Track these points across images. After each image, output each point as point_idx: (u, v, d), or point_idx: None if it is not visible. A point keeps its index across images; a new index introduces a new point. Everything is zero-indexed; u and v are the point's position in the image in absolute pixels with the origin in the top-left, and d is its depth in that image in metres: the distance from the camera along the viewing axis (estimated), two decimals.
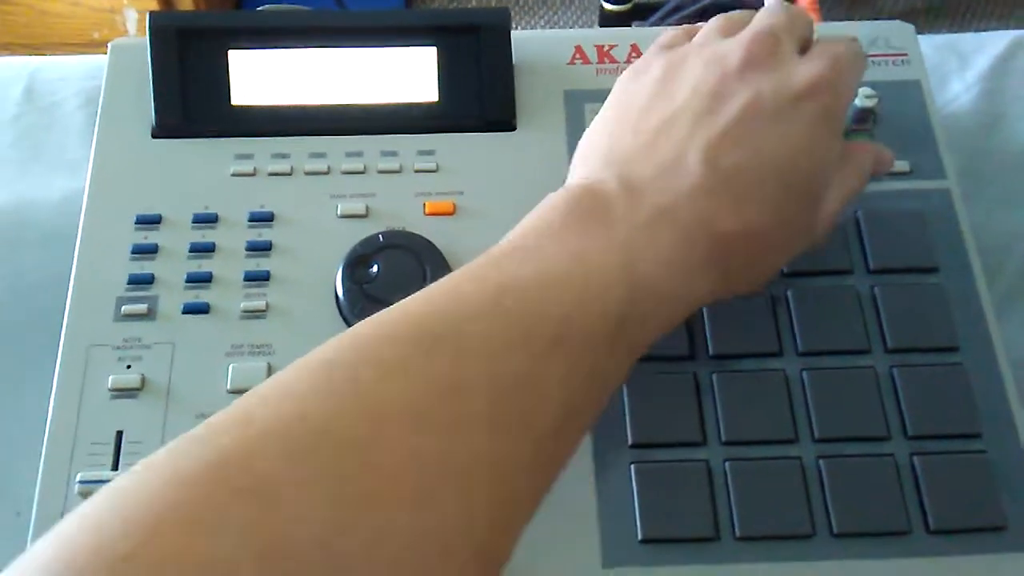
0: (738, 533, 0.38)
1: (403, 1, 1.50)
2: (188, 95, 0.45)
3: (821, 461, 0.39)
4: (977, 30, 0.65)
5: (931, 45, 0.61)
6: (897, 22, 0.49)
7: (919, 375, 0.40)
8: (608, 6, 1.44)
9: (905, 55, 0.48)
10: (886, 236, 0.43)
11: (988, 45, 0.62)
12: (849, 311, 0.42)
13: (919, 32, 0.51)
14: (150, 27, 0.45)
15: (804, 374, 0.41)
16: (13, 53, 1.22)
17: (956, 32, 0.65)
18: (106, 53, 0.49)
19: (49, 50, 1.29)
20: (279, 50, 0.46)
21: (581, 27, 1.54)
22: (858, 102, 0.45)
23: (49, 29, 1.30)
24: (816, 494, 0.38)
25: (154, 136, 0.45)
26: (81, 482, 0.37)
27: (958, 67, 0.60)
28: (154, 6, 1.27)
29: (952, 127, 0.54)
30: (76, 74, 0.57)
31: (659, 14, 0.67)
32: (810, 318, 0.42)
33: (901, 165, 0.45)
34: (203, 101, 0.45)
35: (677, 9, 0.69)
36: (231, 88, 0.46)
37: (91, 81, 0.57)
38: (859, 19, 0.51)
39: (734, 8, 0.62)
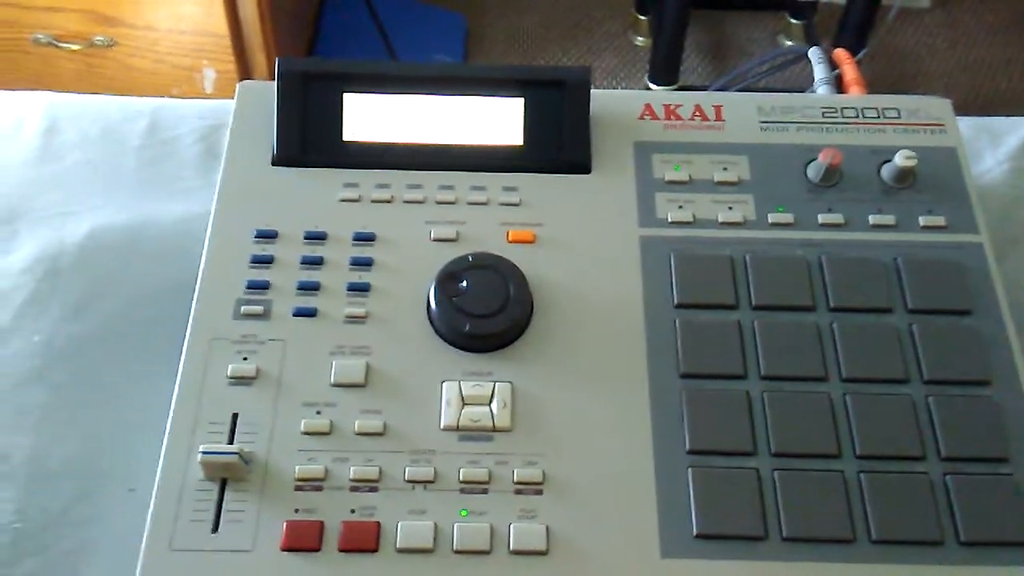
0: (785, 534, 0.42)
1: (461, 54, 1.58)
2: (306, 130, 0.52)
3: (862, 475, 0.43)
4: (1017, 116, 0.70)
5: (967, 124, 0.67)
6: (935, 97, 0.55)
7: (953, 404, 0.45)
8: (654, 87, 1.52)
9: (942, 125, 0.54)
10: (923, 280, 0.48)
11: (1020, 127, 0.67)
12: (889, 345, 0.46)
13: None
14: (279, 71, 0.52)
15: (847, 398, 0.45)
16: None
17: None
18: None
19: None
20: (388, 95, 0.52)
21: None
22: (899, 161, 0.50)
23: (132, 83, 1.39)
24: (857, 504, 0.42)
25: (274, 164, 0.52)
26: (203, 452, 0.41)
27: (990, 144, 0.66)
28: (231, 69, 1.36)
29: (984, 196, 0.59)
30: (192, 114, 0.64)
31: (717, 84, 0.73)
32: (853, 349, 0.46)
33: (938, 220, 0.50)
34: (318, 136, 0.52)
35: (722, 89, 0.76)
36: (343, 126, 0.52)
37: (204, 121, 0.64)
38: None
39: (779, 90, 0.68)
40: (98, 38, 1.33)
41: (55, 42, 1.33)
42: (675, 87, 1.52)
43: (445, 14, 1.63)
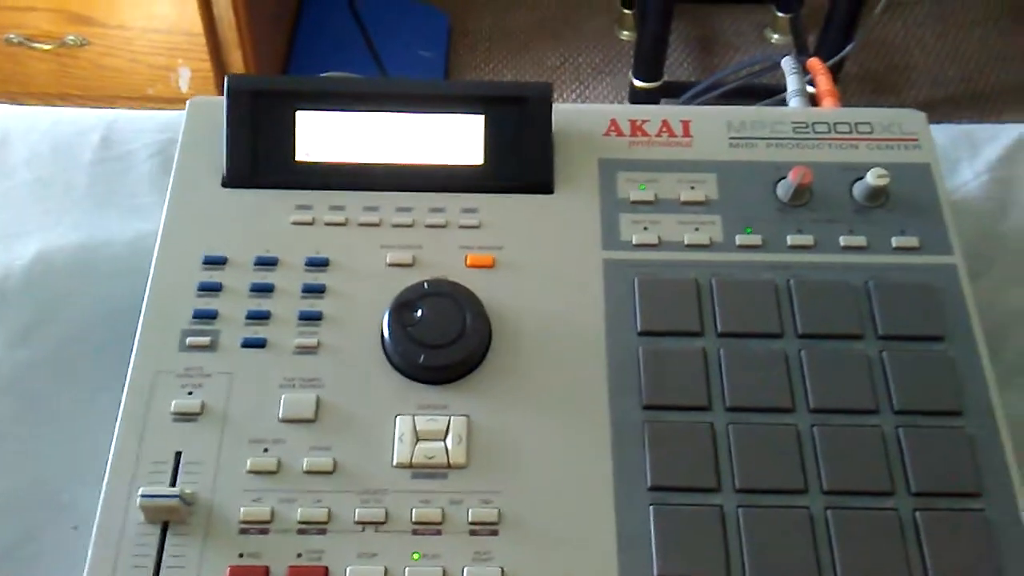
0: None
1: (442, 70, 1.56)
2: (257, 149, 0.50)
3: (828, 512, 0.41)
4: (998, 123, 0.68)
5: (945, 134, 0.65)
6: (909, 110, 0.53)
7: (923, 436, 0.43)
8: (638, 83, 1.50)
9: (916, 140, 0.52)
10: (895, 305, 0.46)
11: (1000, 135, 0.66)
12: (858, 373, 0.45)
13: (940, 122, 0.54)
14: (228, 88, 0.50)
15: (815, 430, 0.43)
16: (70, 104, 1.29)
17: (977, 123, 0.69)
18: (171, 109, 0.53)
19: (104, 103, 1.36)
20: (341, 112, 0.50)
21: (612, 102, 1.60)
22: (871, 180, 0.49)
23: (106, 82, 1.37)
24: (823, 543, 0.41)
25: (224, 185, 0.50)
26: (143, 496, 0.40)
27: (969, 155, 0.64)
28: (207, 67, 1.34)
29: (961, 211, 0.58)
30: (149, 127, 0.62)
31: (690, 93, 0.71)
32: (821, 378, 0.44)
33: (910, 241, 0.48)
34: (270, 156, 0.50)
35: (708, 89, 0.74)
36: (296, 145, 0.50)
37: (162, 134, 0.62)
38: (879, 107, 0.55)
39: (767, 91, 0.66)
40: (70, 37, 1.30)
41: (27, 42, 1.30)
42: (660, 83, 1.50)
43: (427, 11, 1.61)
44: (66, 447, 0.50)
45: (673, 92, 1.50)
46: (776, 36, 1.65)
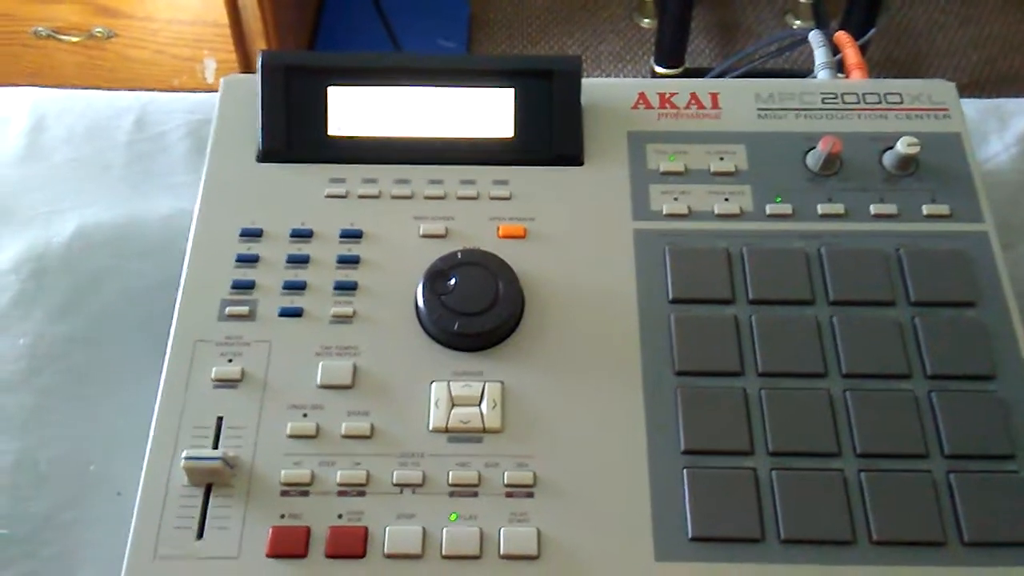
0: (782, 536, 0.40)
1: (464, 46, 1.56)
2: (291, 125, 0.51)
3: (862, 474, 0.42)
4: None
5: (974, 107, 0.65)
6: (939, 80, 0.53)
7: (956, 399, 0.43)
8: (660, 70, 1.50)
9: (946, 110, 0.52)
10: (927, 271, 0.46)
11: None
12: (890, 339, 0.45)
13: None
14: (262, 64, 0.50)
15: (847, 394, 0.44)
16: None
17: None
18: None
19: None
20: (372, 88, 0.51)
21: None
22: (901, 149, 0.49)
23: (133, 74, 1.38)
24: (857, 504, 0.41)
25: (259, 160, 0.50)
26: (186, 457, 0.40)
27: (998, 128, 0.64)
28: (232, 58, 1.35)
29: (990, 183, 0.57)
30: (181, 108, 0.63)
31: (716, 71, 0.71)
32: (854, 344, 0.45)
33: (941, 208, 0.49)
34: (303, 131, 0.51)
35: (723, 74, 0.74)
36: (328, 120, 0.51)
37: (194, 115, 0.63)
38: None
39: (781, 74, 0.66)
40: (97, 29, 1.32)
41: (55, 34, 1.32)
42: (681, 69, 1.49)
43: (448, 1, 1.61)
44: (104, 418, 0.51)
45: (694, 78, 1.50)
46: (798, 22, 1.64)
